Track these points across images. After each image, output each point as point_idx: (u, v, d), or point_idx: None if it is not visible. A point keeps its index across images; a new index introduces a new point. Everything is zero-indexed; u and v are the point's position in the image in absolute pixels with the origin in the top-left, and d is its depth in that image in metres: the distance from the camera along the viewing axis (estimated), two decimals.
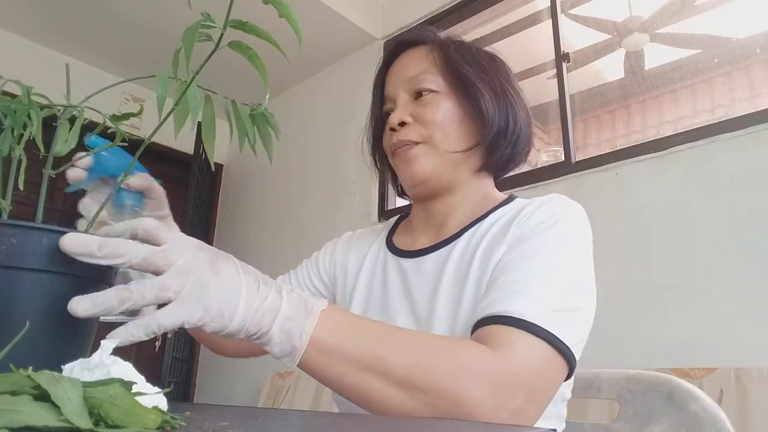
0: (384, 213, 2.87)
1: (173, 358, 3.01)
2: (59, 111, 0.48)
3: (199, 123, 0.48)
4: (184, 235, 0.46)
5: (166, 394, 0.31)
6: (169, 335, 2.88)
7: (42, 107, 0.47)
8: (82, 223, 0.61)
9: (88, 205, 0.62)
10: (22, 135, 0.46)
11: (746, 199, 1.78)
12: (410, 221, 0.85)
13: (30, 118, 0.46)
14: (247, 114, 0.54)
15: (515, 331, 0.55)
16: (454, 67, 0.76)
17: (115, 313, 0.39)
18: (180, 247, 0.43)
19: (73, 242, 0.38)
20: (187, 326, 0.43)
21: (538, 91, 3.31)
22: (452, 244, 0.74)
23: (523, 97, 0.80)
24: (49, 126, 0.50)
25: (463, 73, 0.75)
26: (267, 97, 0.54)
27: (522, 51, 3.20)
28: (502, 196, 0.80)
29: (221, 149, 4.10)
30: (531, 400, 0.53)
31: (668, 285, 1.82)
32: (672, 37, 2.92)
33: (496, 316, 0.57)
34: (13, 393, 0.25)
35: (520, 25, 3.04)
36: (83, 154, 0.57)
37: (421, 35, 0.81)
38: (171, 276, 0.41)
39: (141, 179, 0.58)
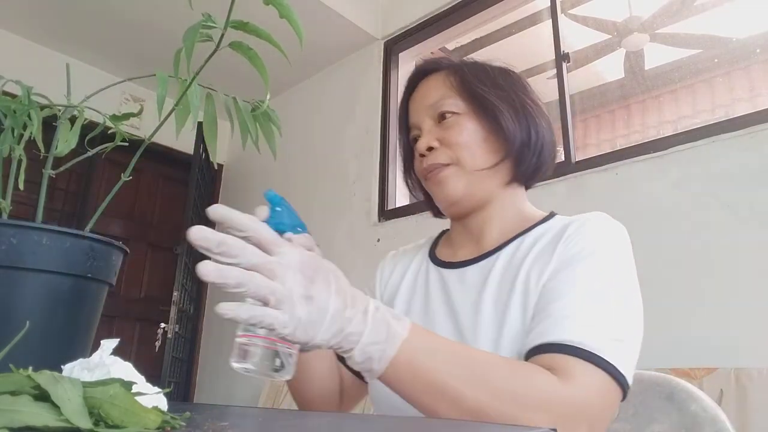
0: (384, 213, 2.87)
1: (173, 358, 3.01)
2: (59, 111, 0.48)
3: (200, 123, 0.48)
4: (291, 251, 0.49)
5: (166, 394, 0.31)
6: (169, 335, 2.88)
7: (42, 107, 0.47)
8: None
9: None
10: (22, 135, 0.45)
11: (746, 199, 1.78)
12: (450, 236, 0.88)
13: (30, 118, 0.46)
14: (248, 111, 0.54)
15: (576, 360, 0.56)
16: (471, 89, 0.79)
17: (227, 288, 0.44)
18: (284, 266, 0.48)
19: (198, 235, 0.43)
20: (278, 330, 0.47)
21: (538, 91, 3.30)
22: (494, 256, 0.76)
23: (541, 106, 0.82)
24: (49, 126, 0.50)
25: (480, 93, 0.78)
26: (268, 97, 0.54)
27: (522, 51, 3.20)
28: (542, 212, 0.82)
29: (221, 149, 4.10)
30: (592, 430, 0.55)
31: (668, 285, 1.82)
32: (672, 37, 2.92)
33: (556, 344, 0.58)
34: (13, 393, 0.25)
35: (520, 25, 3.04)
36: (263, 207, 0.60)
37: (437, 62, 0.85)
38: (278, 286, 0.46)
39: (307, 240, 0.60)
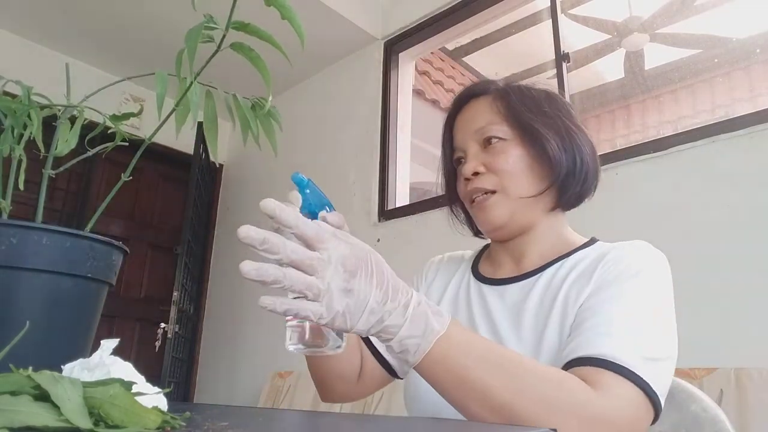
0: (384, 213, 2.87)
1: (173, 358, 3.01)
2: (59, 111, 0.48)
3: (200, 123, 0.48)
4: (335, 245, 0.51)
5: (166, 394, 0.31)
6: (169, 335, 2.88)
7: (42, 107, 0.47)
8: None
9: None
10: (22, 135, 0.46)
11: (746, 199, 1.78)
12: (491, 253, 0.89)
13: (30, 118, 0.46)
14: (249, 107, 0.54)
15: (610, 374, 0.57)
16: (518, 116, 0.79)
17: (266, 284, 0.47)
18: (325, 261, 0.50)
19: (244, 233, 0.47)
20: (315, 320, 0.50)
21: None
22: (535, 277, 0.77)
23: (585, 131, 0.83)
24: (49, 126, 0.50)
25: (526, 121, 0.79)
26: (270, 98, 0.54)
27: (522, 51, 3.20)
28: (583, 238, 0.83)
29: (221, 149, 4.10)
30: None
31: None
32: (672, 37, 2.92)
33: (590, 357, 0.59)
34: (13, 393, 0.25)
35: (520, 25, 3.04)
36: (295, 193, 0.64)
37: (484, 86, 0.86)
38: (315, 282, 0.49)
39: (337, 218, 0.62)
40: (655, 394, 0.58)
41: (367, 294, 0.51)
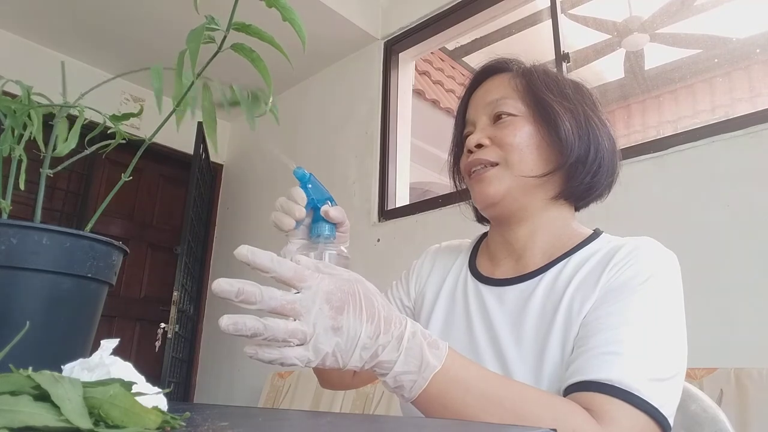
0: (384, 213, 2.87)
1: (173, 359, 3.01)
2: (58, 110, 0.48)
3: (200, 123, 0.48)
4: (317, 282, 0.49)
5: (166, 395, 0.31)
6: (169, 335, 2.88)
7: (42, 107, 0.47)
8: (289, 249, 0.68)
9: (290, 252, 0.67)
10: (22, 135, 0.45)
11: (746, 199, 1.78)
12: (489, 245, 0.84)
13: (30, 118, 0.46)
14: (244, 95, 0.54)
15: (617, 402, 0.54)
16: (535, 93, 0.75)
17: (244, 334, 0.46)
18: (309, 300, 0.48)
19: (217, 289, 0.45)
20: (304, 365, 0.48)
21: None
22: (536, 279, 0.72)
23: (609, 127, 0.78)
24: (50, 126, 0.50)
25: (544, 99, 0.74)
26: (270, 99, 0.54)
27: (522, 51, 3.19)
28: (587, 230, 0.78)
29: (221, 149, 4.10)
30: None
31: None
32: (672, 37, 2.92)
33: (596, 382, 0.56)
34: (13, 393, 0.25)
35: (520, 25, 3.04)
36: (298, 189, 0.65)
37: (506, 62, 0.82)
38: (299, 327, 0.47)
39: (339, 212, 0.61)
40: (664, 418, 0.56)
41: (358, 330, 0.49)
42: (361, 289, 0.51)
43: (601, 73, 3.25)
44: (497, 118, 0.76)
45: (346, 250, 0.69)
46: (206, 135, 0.54)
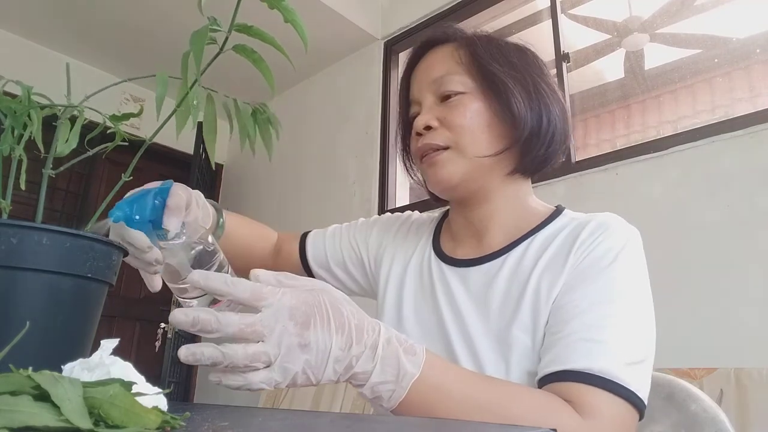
0: (384, 213, 2.87)
1: (173, 359, 3.01)
2: (60, 111, 0.48)
3: (200, 123, 0.48)
4: (278, 298, 0.46)
5: (166, 395, 0.31)
6: (169, 335, 2.88)
7: (42, 107, 0.47)
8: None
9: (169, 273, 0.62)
10: (22, 135, 0.45)
11: (746, 199, 1.78)
12: (450, 224, 0.81)
13: (30, 118, 0.46)
14: (248, 113, 0.54)
15: (598, 392, 0.54)
16: (482, 65, 0.71)
17: (204, 363, 0.44)
18: (271, 319, 0.45)
19: (173, 320, 0.44)
20: (273, 388, 0.46)
21: None
22: (500, 259, 0.71)
23: (557, 91, 0.75)
24: (50, 126, 0.50)
25: (491, 72, 0.71)
26: (273, 100, 0.54)
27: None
28: (548, 207, 0.76)
29: (221, 149, 4.10)
30: None
31: (668, 285, 1.82)
32: (672, 37, 2.92)
33: (575, 371, 0.56)
34: (13, 393, 0.25)
35: (520, 25, 3.04)
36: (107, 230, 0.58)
37: (446, 33, 0.77)
38: (261, 349, 0.44)
39: (169, 219, 0.56)
40: (642, 401, 0.56)
41: (328, 343, 0.46)
42: (327, 299, 0.48)
43: (601, 73, 3.25)
44: (444, 96, 0.72)
45: (211, 239, 0.64)
46: (206, 146, 0.54)
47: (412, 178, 0.85)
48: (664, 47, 2.97)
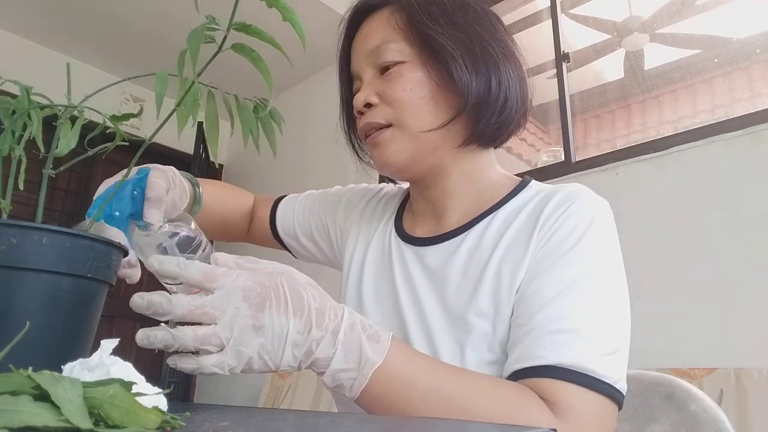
0: None
1: None
2: (60, 111, 0.48)
3: (200, 123, 0.48)
4: (232, 280, 0.45)
5: (166, 395, 0.31)
6: None
7: (42, 107, 0.47)
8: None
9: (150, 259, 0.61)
10: (22, 135, 0.45)
11: (746, 199, 1.78)
12: (411, 202, 0.76)
13: (30, 119, 0.46)
14: (250, 109, 0.54)
15: (572, 387, 0.50)
16: (419, 29, 0.64)
17: (157, 347, 0.44)
18: (223, 300, 0.44)
19: (132, 304, 0.45)
20: (227, 372, 0.45)
21: (538, 91, 3.30)
22: (459, 238, 0.66)
23: (512, 49, 0.68)
24: (50, 126, 0.50)
25: (429, 35, 0.63)
26: (271, 99, 0.54)
27: (522, 51, 3.19)
28: (514, 179, 0.71)
29: (221, 149, 4.10)
30: None
31: (668, 285, 1.82)
32: (672, 37, 2.92)
33: (546, 367, 0.51)
34: (13, 393, 0.25)
35: (520, 25, 3.04)
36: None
37: None
38: (211, 332, 0.44)
39: (149, 212, 0.54)
40: (619, 392, 0.53)
41: (284, 326, 0.45)
42: (286, 281, 0.46)
43: (601, 73, 3.25)
44: (383, 68, 0.66)
45: (194, 225, 0.62)
46: (208, 144, 0.54)
47: (361, 160, 0.79)
48: (664, 47, 2.97)
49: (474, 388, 0.50)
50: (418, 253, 0.69)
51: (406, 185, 0.83)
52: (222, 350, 0.44)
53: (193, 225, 0.63)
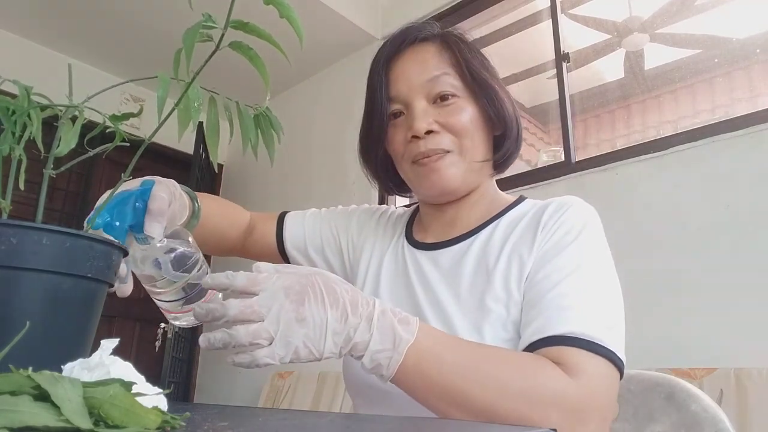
0: None
1: (173, 358, 3.01)
2: (60, 111, 0.48)
3: (200, 123, 0.48)
4: (273, 282, 0.51)
5: (166, 395, 0.31)
6: (170, 335, 2.88)
7: (42, 107, 0.47)
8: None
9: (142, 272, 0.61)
10: (22, 135, 0.45)
11: (746, 199, 1.78)
12: (421, 217, 0.84)
13: (30, 119, 0.46)
14: (250, 116, 0.54)
15: (583, 353, 0.57)
16: (470, 70, 0.73)
17: (217, 346, 0.50)
18: (268, 299, 0.50)
19: (197, 315, 0.51)
20: (278, 363, 0.50)
21: (538, 91, 3.30)
22: (469, 240, 0.74)
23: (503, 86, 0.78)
24: (50, 126, 0.50)
25: (482, 78, 0.73)
26: (267, 98, 0.54)
27: (522, 51, 3.19)
28: (512, 196, 0.80)
29: (221, 149, 4.10)
30: (603, 420, 0.56)
31: (668, 285, 1.82)
32: (672, 37, 2.92)
33: (560, 336, 0.58)
34: (13, 393, 0.25)
35: (520, 25, 3.04)
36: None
37: (428, 30, 0.76)
38: (261, 327, 0.49)
39: (150, 223, 0.56)
40: (621, 360, 0.59)
41: (323, 317, 0.51)
42: (321, 280, 0.53)
43: (601, 73, 3.25)
44: (440, 98, 0.72)
45: (192, 241, 0.63)
46: (208, 148, 0.54)
47: (370, 173, 0.83)
48: (664, 47, 2.97)
49: (495, 357, 0.56)
50: (431, 256, 0.76)
51: (412, 206, 0.90)
52: (271, 343, 0.49)
53: (191, 240, 0.63)
